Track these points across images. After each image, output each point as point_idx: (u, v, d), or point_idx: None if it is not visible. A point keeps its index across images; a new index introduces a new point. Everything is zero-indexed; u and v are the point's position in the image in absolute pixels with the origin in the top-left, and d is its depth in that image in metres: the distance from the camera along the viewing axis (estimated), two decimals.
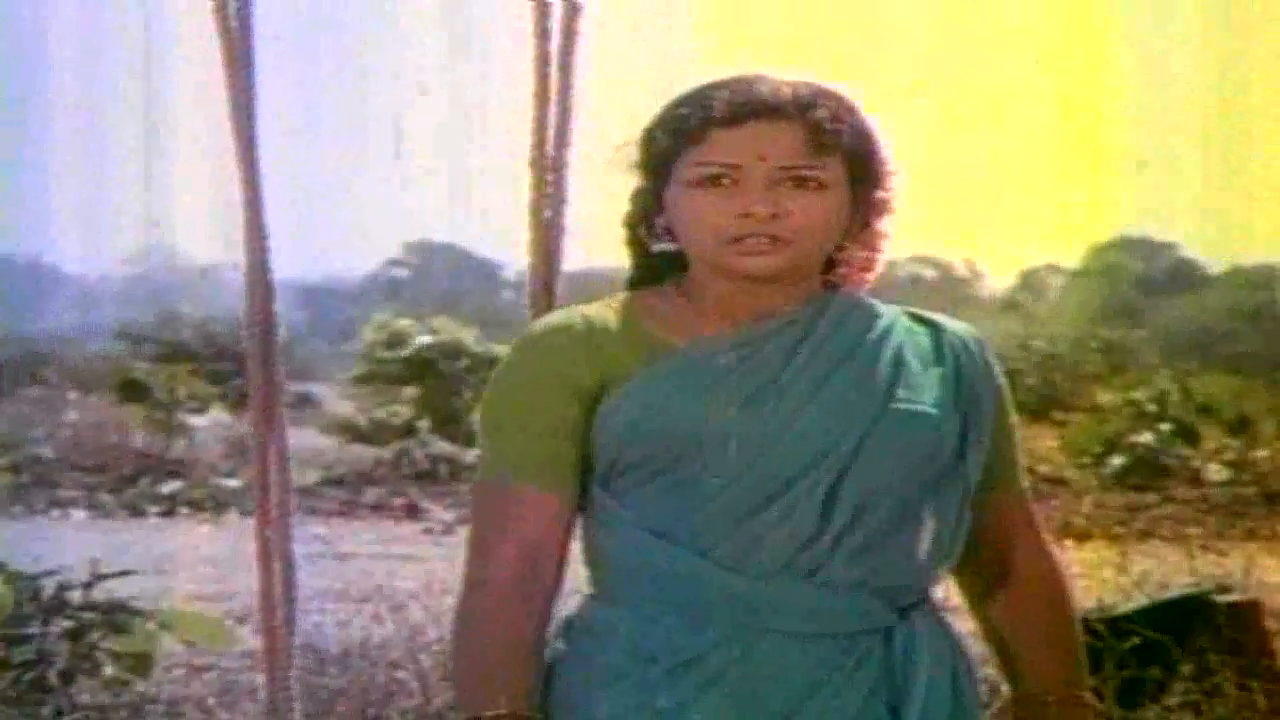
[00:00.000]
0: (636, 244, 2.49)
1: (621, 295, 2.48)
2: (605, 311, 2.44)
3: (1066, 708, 2.53)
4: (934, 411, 2.40)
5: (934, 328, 2.48)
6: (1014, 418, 2.53)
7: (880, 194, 2.45)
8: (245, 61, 2.78)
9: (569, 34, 2.71)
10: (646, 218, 2.45)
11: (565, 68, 2.71)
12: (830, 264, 2.46)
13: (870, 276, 2.49)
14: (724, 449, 2.35)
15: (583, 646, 2.40)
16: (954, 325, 2.49)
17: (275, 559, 2.80)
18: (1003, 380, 2.50)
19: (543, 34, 2.71)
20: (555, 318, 2.44)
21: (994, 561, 2.51)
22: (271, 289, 2.79)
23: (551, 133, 2.71)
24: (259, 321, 2.79)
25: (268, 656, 2.82)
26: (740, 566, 2.35)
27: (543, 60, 2.71)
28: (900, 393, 2.39)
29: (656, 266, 2.47)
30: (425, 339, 22.39)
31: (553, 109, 2.70)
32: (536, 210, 2.71)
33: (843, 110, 2.41)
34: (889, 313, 2.46)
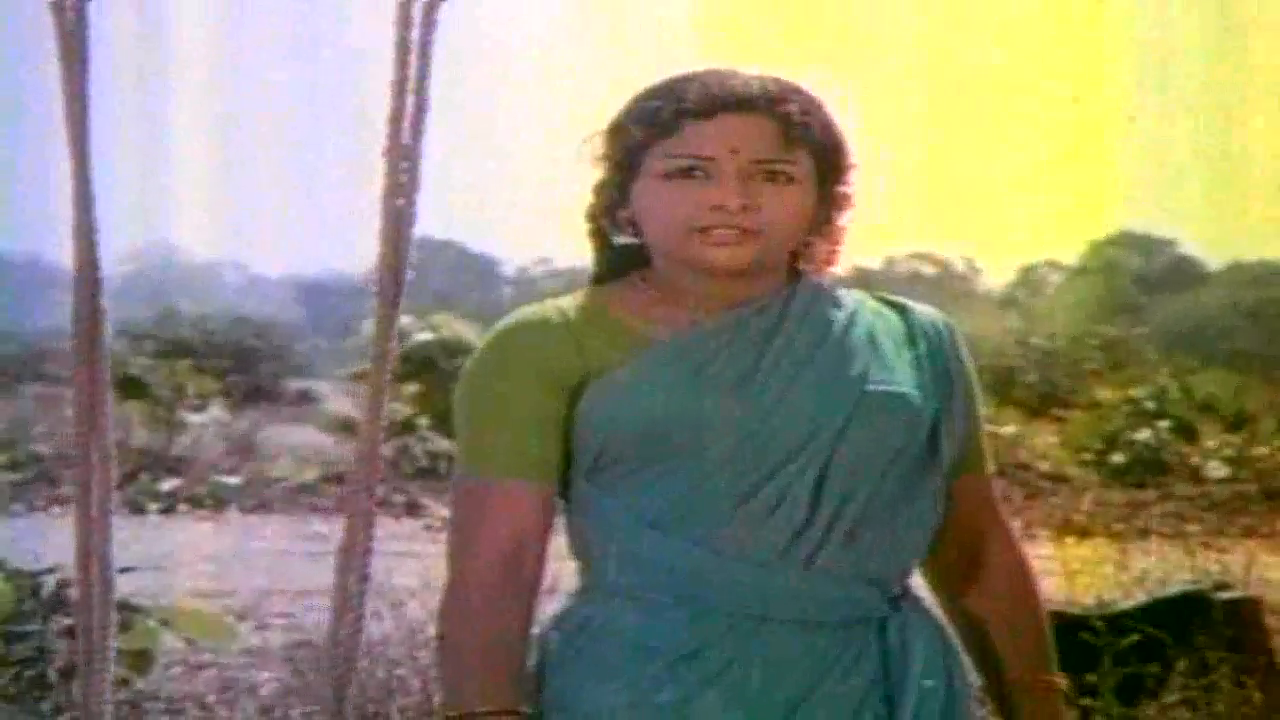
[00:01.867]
0: (600, 237, 2.48)
1: (587, 289, 2.47)
2: (578, 304, 2.43)
3: (1036, 692, 2.54)
4: (911, 393, 2.41)
5: (902, 311, 2.49)
6: (980, 405, 2.53)
7: (842, 189, 2.46)
8: (81, 59, 2.78)
9: (428, 24, 2.72)
10: (610, 210, 2.45)
11: (424, 56, 2.71)
12: (793, 257, 2.47)
13: (833, 269, 2.49)
14: (708, 439, 2.35)
15: (579, 641, 2.40)
16: (922, 308, 2.51)
17: (93, 559, 2.78)
18: (971, 365, 2.51)
19: (405, 22, 2.72)
20: (530, 310, 2.43)
21: (961, 548, 2.51)
22: (99, 284, 2.77)
23: (408, 122, 2.71)
24: (86, 317, 2.77)
25: (83, 657, 2.80)
26: (738, 555, 2.35)
27: (403, 48, 2.71)
28: (876, 375, 2.40)
29: (620, 261, 2.47)
30: (424, 336, 22.39)
31: (410, 98, 2.71)
32: (389, 199, 2.71)
33: (810, 105, 2.42)
34: (855, 297, 2.48)
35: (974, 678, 2.53)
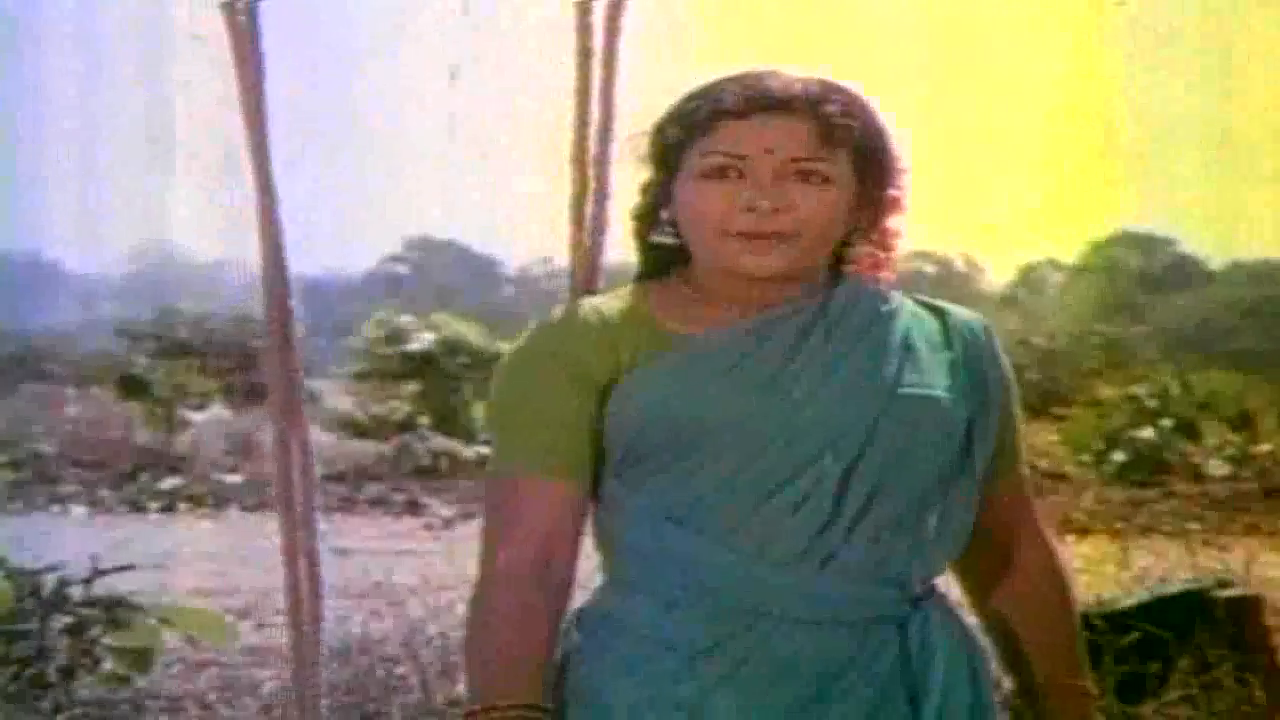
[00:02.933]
0: (644, 236, 2.49)
1: (628, 287, 2.48)
2: (614, 303, 2.44)
3: (1068, 697, 2.53)
4: (943, 396, 2.40)
5: (941, 314, 2.48)
6: (1018, 407, 2.53)
7: (892, 192, 2.46)
8: (255, 59, 2.78)
9: (612, 30, 2.70)
10: (653, 210, 2.46)
11: (608, 64, 2.70)
12: (840, 260, 2.47)
13: (885, 275, 2.49)
14: (736, 436, 2.35)
15: (600, 636, 2.40)
16: (961, 312, 2.50)
17: (300, 555, 2.80)
18: (1009, 368, 2.51)
19: (585, 29, 2.70)
20: (566, 309, 2.44)
21: (994, 551, 2.51)
22: (288, 284, 2.79)
23: (594, 129, 2.70)
24: (276, 317, 2.79)
25: (295, 653, 2.82)
26: (757, 553, 2.35)
27: (585, 55, 2.70)
28: (909, 377, 2.39)
29: (664, 259, 2.48)
30: (425, 335, 22.40)
31: (595, 105, 2.70)
32: (578, 207, 2.70)
33: (854, 106, 2.41)
34: (896, 299, 2.47)
35: (1003, 679, 2.52)
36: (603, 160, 2.70)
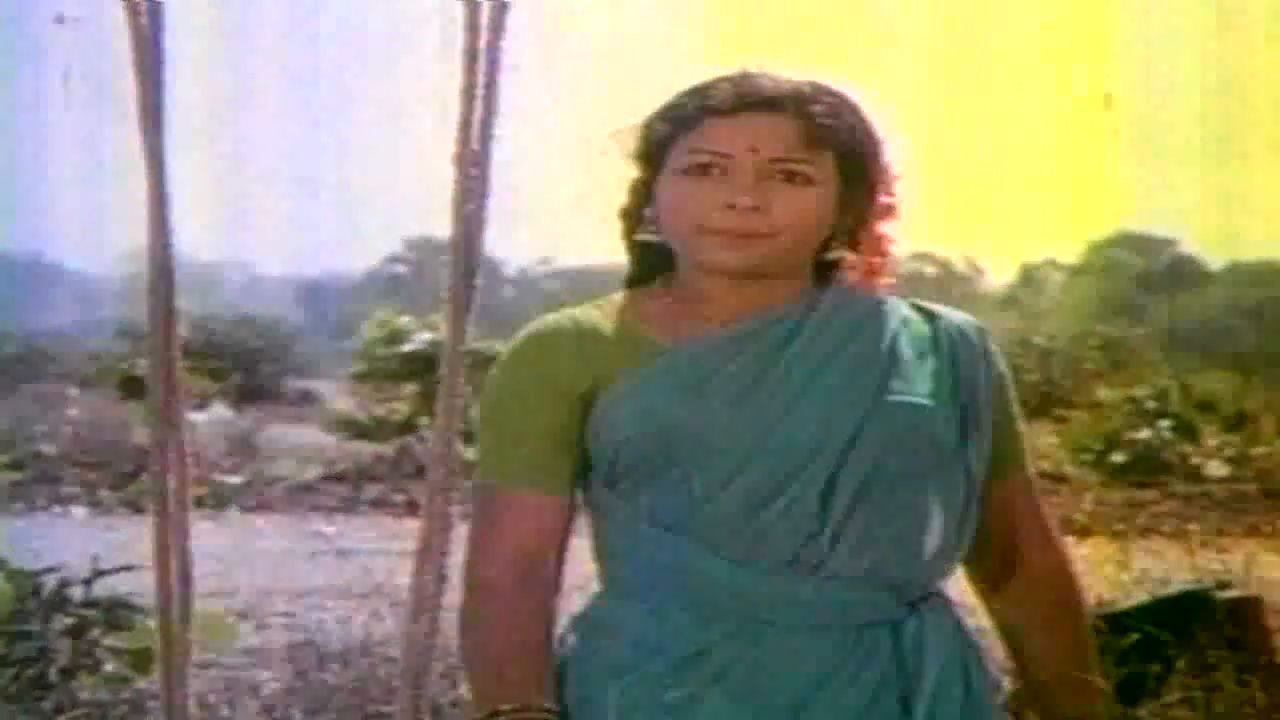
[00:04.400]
0: (630, 236, 2.49)
1: (614, 296, 2.48)
2: (596, 313, 2.44)
3: (1074, 690, 2.52)
4: (928, 403, 2.40)
5: (931, 318, 2.48)
6: (1016, 407, 2.52)
7: (884, 198, 2.45)
8: (154, 61, 2.79)
9: (496, 29, 2.73)
10: (638, 208, 2.46)
11: (492, 63, 2.73)
12: (834, 265, 2.46)
13: (881, 281, 2.48)
14: (718, 447, 2.35)
15: (592, 642, 2.42)
16: (952, 315, 2.49)
17: (173, 556, 2.81)
18: (1004, 369, 2.50)
19: (472, 29, 2.73)
20: (547, 321, 2.44)
21: (999, 551, 2.51)
22: (173, 284, 2.80)
23: (477, 127, 2.73)
24: (161, 318, 2.80)
25: (163, 654, 2.83)
26: (746, 561, 2.35)
27: (471, 55, 2.73)
28: (894, 384, 2.39)
29: (653, 262, 2.47)
30: (425, 335, 22.40)
31: (479, 103, 2.73)
32: (459, 205, 2.73)
33: (843, 109, 2.41)
34: (885, 304, 2.46)
35: (1004, 681, 2.52)
36: (483, 158, 2.73)
